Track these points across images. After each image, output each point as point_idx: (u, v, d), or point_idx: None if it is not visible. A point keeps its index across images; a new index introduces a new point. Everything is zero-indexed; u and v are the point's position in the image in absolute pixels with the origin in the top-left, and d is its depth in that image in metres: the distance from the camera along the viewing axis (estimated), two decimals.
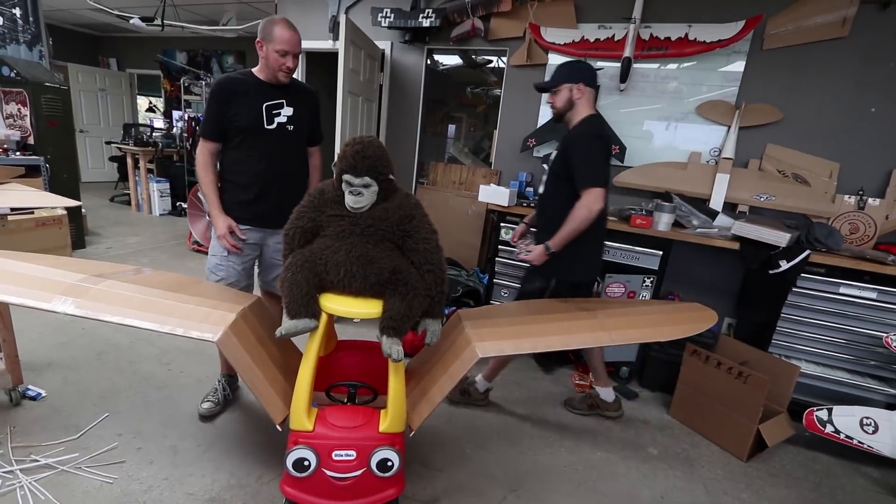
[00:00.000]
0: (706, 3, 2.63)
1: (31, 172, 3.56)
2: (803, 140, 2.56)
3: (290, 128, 1.82)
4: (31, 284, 1.32)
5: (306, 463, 1.28)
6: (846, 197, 2.49)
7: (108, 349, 2.40)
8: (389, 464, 1.31)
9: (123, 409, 1.93)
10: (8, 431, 1.72)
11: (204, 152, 1.79)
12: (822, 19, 2.43)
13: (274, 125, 1.78)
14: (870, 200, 2.44)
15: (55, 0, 5.58)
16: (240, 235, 1.81)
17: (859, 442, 1.92)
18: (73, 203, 2.20)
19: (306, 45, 3.72)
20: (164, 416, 1.92)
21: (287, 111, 1.80)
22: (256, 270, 1.99)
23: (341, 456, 1.30)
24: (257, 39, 1.72)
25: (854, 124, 2.46)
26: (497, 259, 2.78)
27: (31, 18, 4.08)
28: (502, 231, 2.74)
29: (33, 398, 1.93)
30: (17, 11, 4.02)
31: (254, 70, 1.80)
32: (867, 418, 1.94)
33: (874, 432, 1.91)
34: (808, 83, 2.51)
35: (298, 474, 1.29)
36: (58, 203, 2.19)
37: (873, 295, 2.14)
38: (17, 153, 3.56)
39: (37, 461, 1.58)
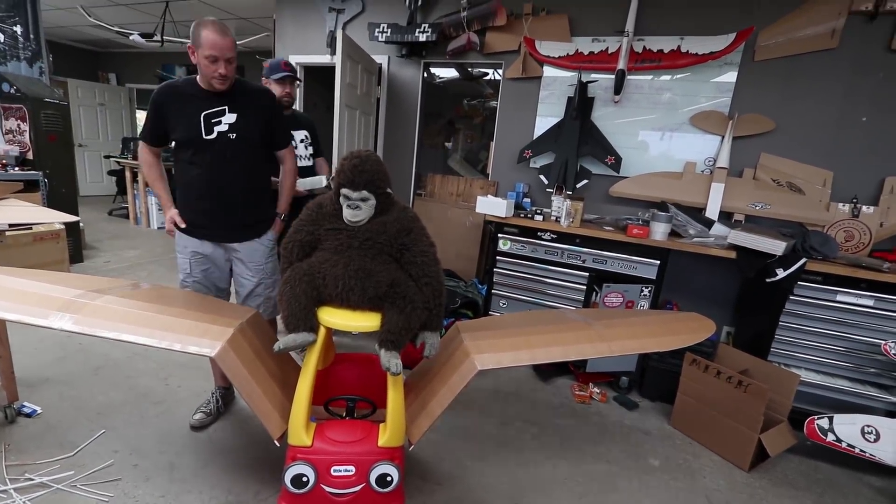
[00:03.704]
0: (697, 16, 2.67)
1: (29, 187, 3.56)
2: (796, 149, 2.59)
3: (233, 136, 1.69)
4: (29, 300, 1.31)
5: (305, 479, 1.28)
6: (840, 205, 2.51)
7: (105, 364, 2.38)
8: (389, 479, 1.30)
9: (120, 425, 1.91)
10: (2, 449, 1.70)
11: (144, 151, 1.78)
12: (811, 31, 2.47)
13: (214, 135, 1.68)
14: (864, 208, 2.46)
15: (56, 17, 5.65)
16: (180, 223, 1.77)
17: (861, 450, 1.91)
18: (70, 218, 2.20)
19: (305, 59, 3.78)
20: (162, 431, 1.90)
21: (229, 118, 1.69)
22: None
23: (340, 471, 1.30)
24: (189, 45, 1.60)
25: (846, 133, 2.49)
26: (495, 270, 2.79)
27: (31, 36, 4.12)
28: (500, 242, 2.75)
29: (28, 415, 1.91)
30: (19, 29, 4.06)
31: (196, 78, 1.69)
32: (868, 426, 1.93)
33: (876, 440, 1.90)
34: (800, 93, 2.55)
35: (297, 490, 1.28)
36: (56, 218, 2.19)
37: (870, 302, 2.14)
38: (16, 168, 3.57)
39: (31, 480, 1.56)
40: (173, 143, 1.75)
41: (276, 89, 2.25)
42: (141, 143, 1.78)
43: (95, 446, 1.77)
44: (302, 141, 2.45)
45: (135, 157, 5.55)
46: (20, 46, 4.08)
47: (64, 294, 1.36)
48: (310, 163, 2.53)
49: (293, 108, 2.47)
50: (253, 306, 1.90)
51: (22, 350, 2.38)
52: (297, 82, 2.41)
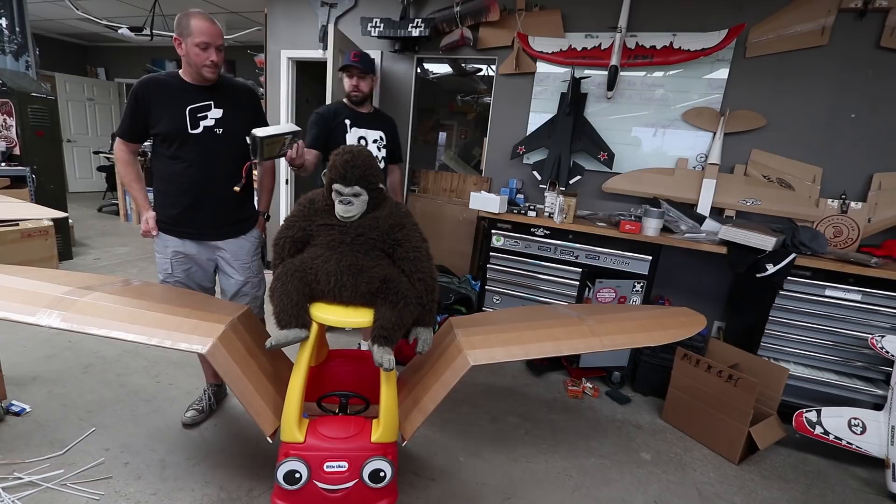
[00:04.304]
0: (690, 12, 2.68)
1: (16, 183, 3.52)
2: (787, 145, 2.61)
3: (219, 131, 1.68)
4: (16, 297, 1.30)
5: (297, 475, 1.27)
6: (829, 201, 2.53)
7: (95, 362, 2.36)
8: (382, 474, 1.30)
9: (110, 423, 1.89)
10: None
11: (121, 149, 1.72)
12: (801, 28, 2.49)
13: (199, 129, 1.66)
14: (852, 204, 2.49)
15: (42, 10, 5.54)
16: (152, 231, 1.74)
17: (848, 443, 1.94)
18: (59, 214, 2.17)
19: (296, 54, 3.75)
20: (153, 429, 1.89)
21: (215, 113, 1.68)
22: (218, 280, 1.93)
23: (333, 467, 1.30)
24: (174, 37, 1.59)
25: (835, 130, 2.52)
26: (489, 266, 2.79)
27: (17, 28, 4.05)
28: (493, 238, 2.75)
29: (17, 413, 1.89)
30: (4, 22, 3.98)
31: (179, 72, 1.68)
32: (855, 419, 1.96)
33: (862, 433, 1.94)
34: (790, 90, 2.57)
35: (290, 487, 1.28)
36: (43, 215, 2.16)
37: (858, 297, 2.17)
38: (3, 164, 3.52)
39: (20, 479, 1.54)
40: (153, 138, 1.70)
41: (346, 83, 2.17)
42: (117, 141, 1.72)
43: (85, 444, 1.76)
44: (375, 142, 2.26)
45: None
46: (6, 40, 4.01)
47: (52, 291, 1.34)
48: (380, 166, 2.26)
49: (370, 104, 2.29)
50: None
51: (10, 348, 2.35)
52: (369, 75, 2.18)
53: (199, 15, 1.58)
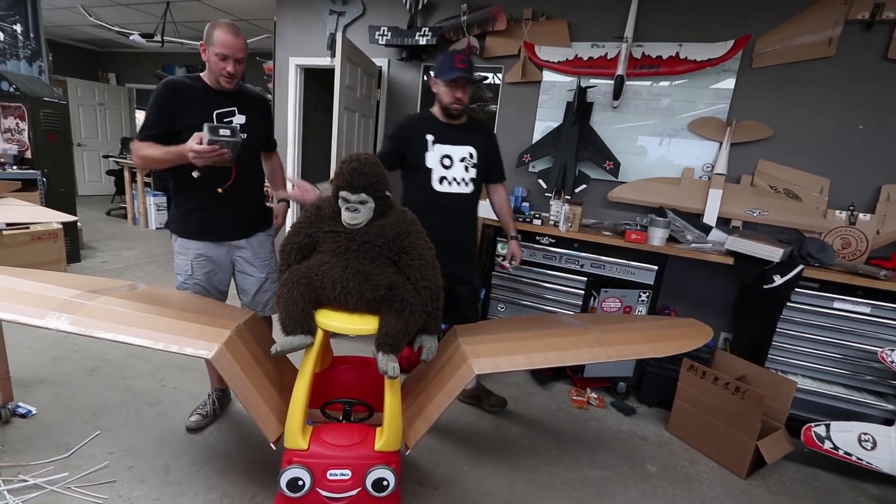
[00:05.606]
0: (696, 22, 2.69)
1: (27, 186, 3.56)
2: (794, 156, 2.60)
3: (244, 136, 1.67)
4: (25, 300, 1.31)
5: (300, 482, 1.27)
6: (837, 212, 2.52)
7: (102, 365, 2.37)
8: (385, 483, 1.30)
9: (115, 427, 1.90)
10: None
11: (144, 145, 1.61)
12: (808, 39, 2.49)
13: None
14: (861, 216, 2.47)
15: (56, 16, 5.65)
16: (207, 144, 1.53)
17: (858, 458, 1.91)
18: (68, 218, 2.19)
19: (305, 61, 3.79)
20: (157, 433, 1.89)
21: (239, 119, 1.74)
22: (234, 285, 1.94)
23: (336, 475, 1.29)
24: (200, 43, 1.66)
25: (843, 141, 2.51)
26: (493, 274, 2.79)
27: (31, 34, 4.13)
28: (498, 246, 2.74)
29: (23, 416, 1.90)
30: (18, 27, 4.06)
31: (202, 75, 1.71)
32: (865, 434, 1.93)
33: (873, 448, 1.91)
34: (797, 101, 2.56)
35: (292, 494, 1.27)
36: (53, 218, 2.19)
37: (867, 310, 2.15)
38: (14, 167, 3.57)
39: (25, 481, 1.55)
40: (180, 142, 1.67)
41: (444, 95, 1.85)
42: (139, 144, 1.62)
43: (90, 448, 1.76)
44: (462, 160, 1.89)
45: None
46: (20, 45, 4.09)
47: (61, 294, 1.36)
48: (468, 189, 1.92)
49: (463, 115, 1.92)
50: (263, 302, 1.93)
51: (17, 350, 2.36)
52: (476, 83, 1.81)
53: (225, 27, 1.62)
